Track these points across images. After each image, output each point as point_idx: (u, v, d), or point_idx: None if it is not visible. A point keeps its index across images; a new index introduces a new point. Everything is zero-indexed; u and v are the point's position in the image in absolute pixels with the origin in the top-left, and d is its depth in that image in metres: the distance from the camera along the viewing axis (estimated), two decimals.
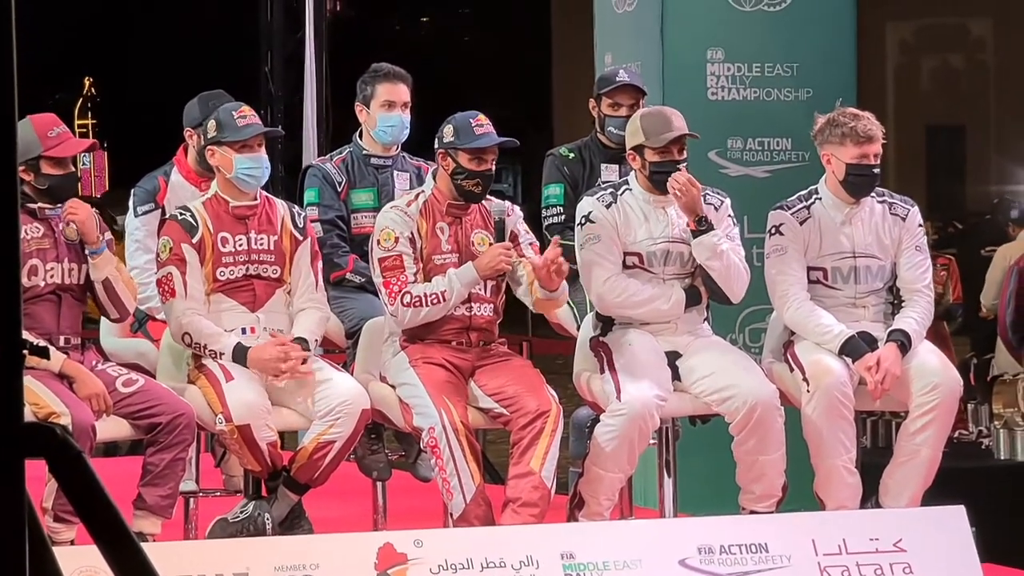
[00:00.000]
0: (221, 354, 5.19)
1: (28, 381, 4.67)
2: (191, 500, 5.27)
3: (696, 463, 5.97)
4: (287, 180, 9.42)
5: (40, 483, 4.65)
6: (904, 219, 5.55)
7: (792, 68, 6.68)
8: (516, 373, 5.31)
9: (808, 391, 5.32)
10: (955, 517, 5.14)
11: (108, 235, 5.32)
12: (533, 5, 24.43)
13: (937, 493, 5.39)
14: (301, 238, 5.39)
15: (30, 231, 5.07)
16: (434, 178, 5.44)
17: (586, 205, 5.46)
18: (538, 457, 5.11)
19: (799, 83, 6.68)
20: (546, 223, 6.08)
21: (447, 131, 5.34)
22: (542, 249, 5.76)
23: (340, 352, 5.98)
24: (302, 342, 5.24)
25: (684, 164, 5.39)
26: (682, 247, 5.41)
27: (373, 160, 6.03)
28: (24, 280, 4.98)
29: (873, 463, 5.58)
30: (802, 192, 5.58)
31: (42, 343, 4.32)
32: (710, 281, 5.41)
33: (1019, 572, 5.62)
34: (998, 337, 7.93)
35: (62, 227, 5.15)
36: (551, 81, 24.98)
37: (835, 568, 4.97)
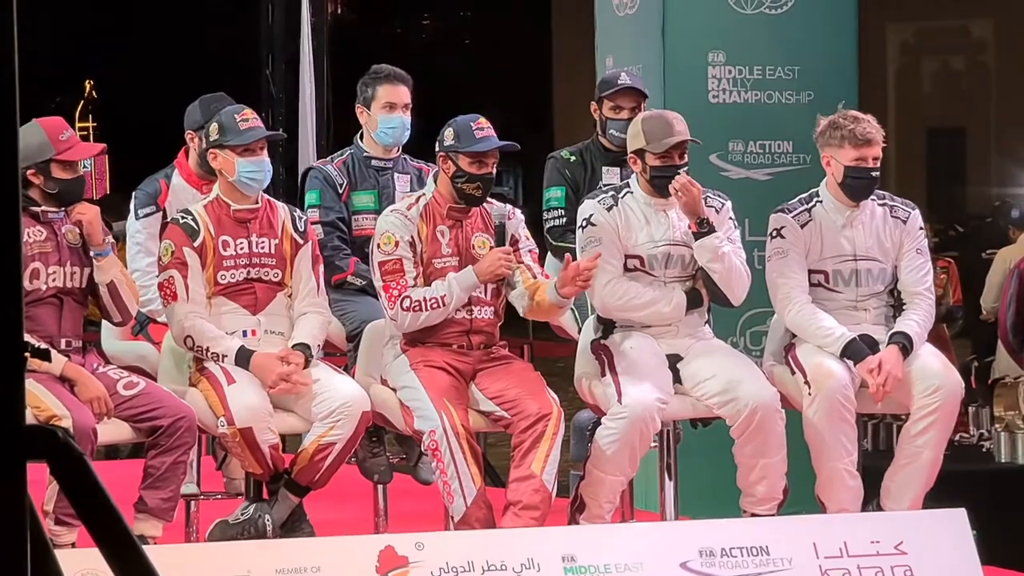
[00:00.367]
0: (224, 356, 5.19)
1: (29, 384, 4.67)
2: (192, 503, 5.27)
3: (697, 466, 5.97)
4: (288, 183, 9.41)
5: (41, 486, 4.65)
6: (905, 222, 5.56)
7: (793, 71, 6.68)
8: (517, 376, 5.31)
9: (809, 394, 5.33)
10: (956, 520, 5.14)
11: (110, 238, 5.33)
12: (534, 8, 24.44)
13: (938, 496, 5.38)
14: (302, 242, 5.39)
15: (32, 234, 5.07)
16: (435, 181, 5.44)
17: (587, 208, 5.46)
18: (539, 460, 5.11)
19: (800, 86, 6.68)
20: (547, 226, 6.09)
21: (448, 134, 5.34)
22: (542, 255, 5.77)
23: (341, 355, 5.98)
24: (304, 348, 5.24)
25: (685, 168, 5.39)
26: (683, 250, 5.42)
27: (374, 162, 6.04)
28: (26, 283, 4.98)
29: (874, 466, 5.58)
30: (803, 195, 5.59)
31: (43, 345, 4.33)
32: (711, 283, 5.41)
33: (1020, 575, 5.62)
34: (999, 340, 7.92)
35: (64, 230, 5.16)
36: (552, 84, 24.99)
37: (836, 571, 4.97)
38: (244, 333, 5.28)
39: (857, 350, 5.37)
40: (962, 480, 5.94)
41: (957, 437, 6.45)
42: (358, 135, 6.13)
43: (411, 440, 5.59)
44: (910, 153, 22.36)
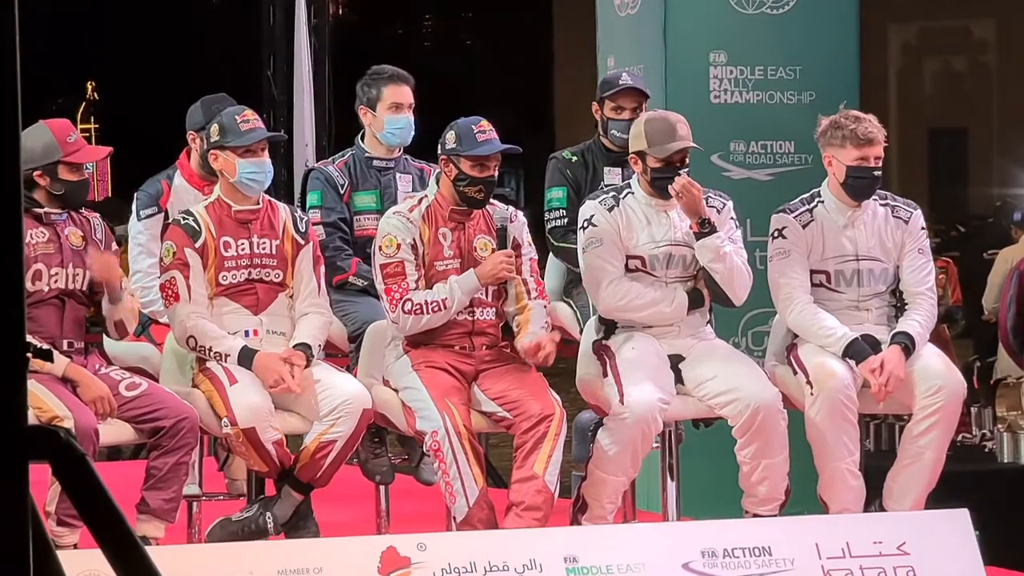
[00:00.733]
0: (226, 356, 5.20)
1: (31, 385, 4.67)
2: (194, 504, 5.27)
3: (699, 466, 5.97)
4: (288, 183, 9.43)
5: (43, 487, 4.65)
6: (907, 222, 5.55)
7: (795, 71, 6.68)
8: (519, 377, 5.31)
9: (811, 394, 5.32)
10: (959, 520, 5.14)
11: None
12: (535, 8, 24.44)
13: (941, 496, 5.38)
14: (303, 242, 5.40)
15: (35, 236, 5.08)
16: (437, 183, 5.44)
17: (588, 209, 5.45)
18: (541, 461, 5.11)
19: (802, 86, 6.67)
20: (549, 226, 6.08)
21: (449, 137, 5.34)
22: (544, 256, 5.77)
23: (343, 356, 5.98)
24: (305, 348, 5.24)
25: (685, 170, 5.38)
26: (684, 250, 5.41)
27: (376, 162, 6.04)
28: (28, 284, 4.98)
29: (877, 466, 5.58)
30: (805, 195, 5.58)
31: (45, 346, 4.33)
32: (713, 284, 5.41)
33: (1022, 575, 5.61)
34: (999, 341, 7.92)
35: (67, 232, 5.16)
36: (553, 84, 24.99)
37: (839, 571, 4.97)
38: (246, 333, 5.28)
39: (859, 350, 5.36)
40: (965, 480, 5.94)
41: (959, 437, 6.44)
42: (359, 136, 6.13)
43: (413, 441, 5.59)
44: (912, 154, 22.36)
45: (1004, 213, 10.91)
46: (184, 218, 5.34)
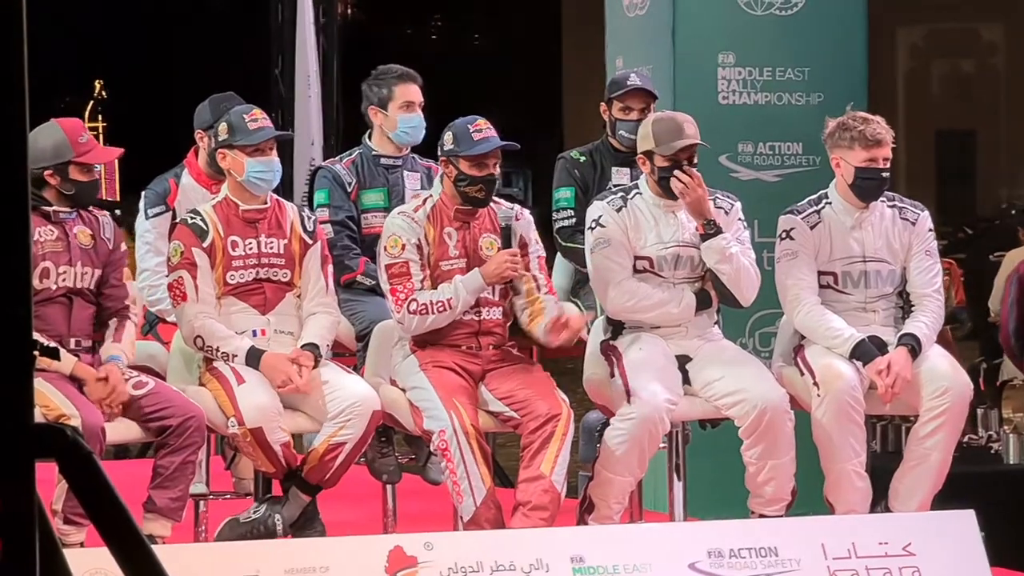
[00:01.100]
0: (234, 356, 5.20)
1: (38, 383, 4.68)
2: (201, 503, 5.27)
3: (706, 467, 5.96)
4: (289, 182, 9.42)
5: (50, 485, 4.66)
6: (914, 224, 5.55)
7: (803, 72, 6.67)
8: (526, 377, 5.31)
9: (818, 395, 5.32)
10: (965, 521, 5.13)
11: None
12: (543, 8, 24.44)
13: (947, 497, 5.38)
14: (311, 241, 5.40)
15: (43, 234, 5.08)
16: (441, 182, 5.44)
17: (596, 209, 5.45)
18: (548, 461, 5.11)
19: (810, 87, 6.67)
20: (556, 226, 6.08)
21: (447, 138, 5.34)
22: (552, 256, 5.76)
23: (351, 355, 5.98)
24: (313, 348, 5.25)
25: (696, 168, 5.38)
26: (692, 251, 5.41)
27: (383, 160, 6.04)
28: (36, 282, 4.99)
29: (883, 467, 5.57)
30: (812, 196, 5.58)
31: (52, 344, 4.34)
32: (720, 285, 5.40)
33: None
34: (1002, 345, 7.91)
35: (76, 231, 5.17)
36: (561, 84, 24.98)
37: (845, 572, 4.97)
38: (253, 333, 5.28)
39: (866, 351, 5.36)
40: (971, 482, 5.93)
41: (966, 439, 6.42)
42: (367, 135, 6.13)
43: (420, 440, 5.59)
44: (919, 156, 22.33)
45: (1017, 215, 10.88)
46: (192, 217, 5.34)
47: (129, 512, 2.36)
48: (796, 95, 6.68)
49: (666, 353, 5.37)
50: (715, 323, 5.55)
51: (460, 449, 5.07)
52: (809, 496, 5.45)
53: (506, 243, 5.39)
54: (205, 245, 5.27)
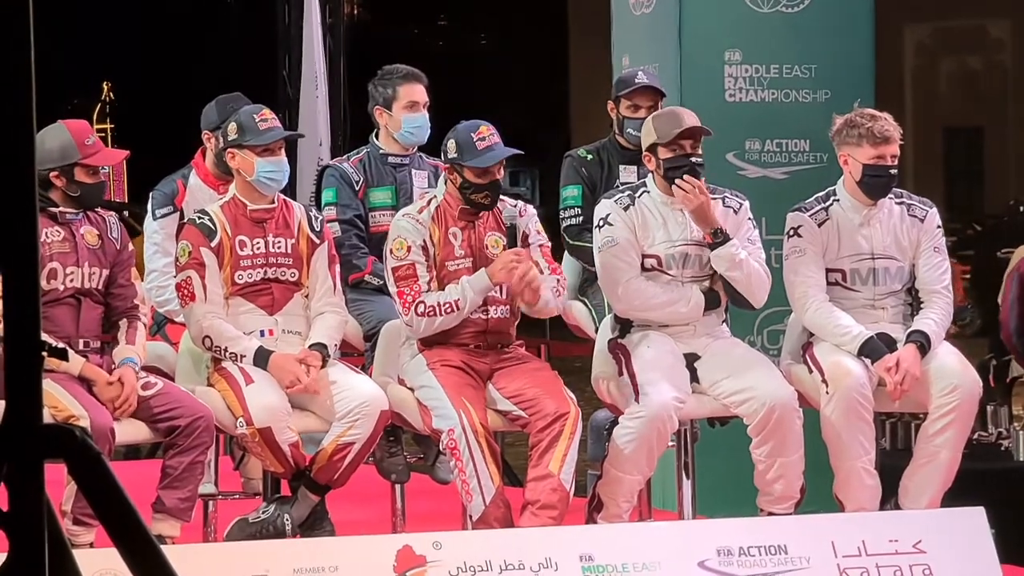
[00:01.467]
0: (242, 357, 5.20)
1: (47, 384, 4.66)
2: (210, 503, 5.28)
3: (715, 465, 5.96)
4: (293, 182, 9.41)
5: (60, 486, 4.66)
6: (922, 220, 5.54)
7: (810, 69, 6.67)
8: (534, 376, 5.30)
9: (827, 392, 5.31)
10: (975, 519, 5.12)
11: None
12: (549, 7, 24.44)
13: (957, 495, 5.37)
14: (318, 241, 5.40)
15: (50, 235, 5.09)
16: (446, 183, 5.44)
17: (604, 208, 5.45)
18: (557, 460, 5.11)
19: (817, 84, 6.66)
20: (564, 225, 6.08)
21: (450, 146, 5.33)
22: (559, 254, 5.75)
23: (359, 355, 5.98)
24: (321, 348, 5.25)
25: (700, 161, 5.37)
26: (700, 250, 5.41)
27: (391, 159, 6.04)
28: (43, 283, 4.99)
29: (892, 465, 5.56)
30: (820, 194, 5.58)
31: (61, 345, 4.34)
32: (732, 290, 5.40)
33: None
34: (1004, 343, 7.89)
35: (83, 231, 5.17)
36: (568, 83, 24.99)
37: (854, 570, 4.96)
38: (261, 333, 5.28)
39: (875, 348, 5.36)
40: (980, 479, 5.92)
41: (975, 436, 6.41)
42: (373, 134, 6.13)
43: (428, 440, 5.59)
44: (927, 153, 22.33)
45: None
46: (199, 217, 5.34)
47: (138, 512, 2.36)
48: (803, 92, 6.67)
49: (674, 351, 5.36)
50: (723, 321, 5.54)
51: (469, 448, 5.07)
52: (818, 494, 5.44)
53: (512, 241, 5.38)
54: (213, 245, 5.27)
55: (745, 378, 5.29)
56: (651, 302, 5.37)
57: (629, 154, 6.05)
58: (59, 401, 4.86)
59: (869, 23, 6.78)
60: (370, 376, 5.42)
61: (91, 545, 4.87)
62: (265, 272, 5.32)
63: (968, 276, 15.83)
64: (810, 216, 5.50)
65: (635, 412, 5.19)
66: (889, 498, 5.42)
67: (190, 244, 5.28)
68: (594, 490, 5.36)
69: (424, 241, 5.31)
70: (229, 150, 5.37)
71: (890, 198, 5.54)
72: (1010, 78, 23.41)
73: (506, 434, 5.59)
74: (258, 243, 5.32)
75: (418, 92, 6.00)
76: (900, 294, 5.54)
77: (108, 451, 4.85)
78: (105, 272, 5.19)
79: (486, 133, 5.30)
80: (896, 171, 5.49)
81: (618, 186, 5.82)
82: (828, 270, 5.49)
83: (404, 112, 5.98)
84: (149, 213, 6.14)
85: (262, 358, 5.19)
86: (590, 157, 6.13)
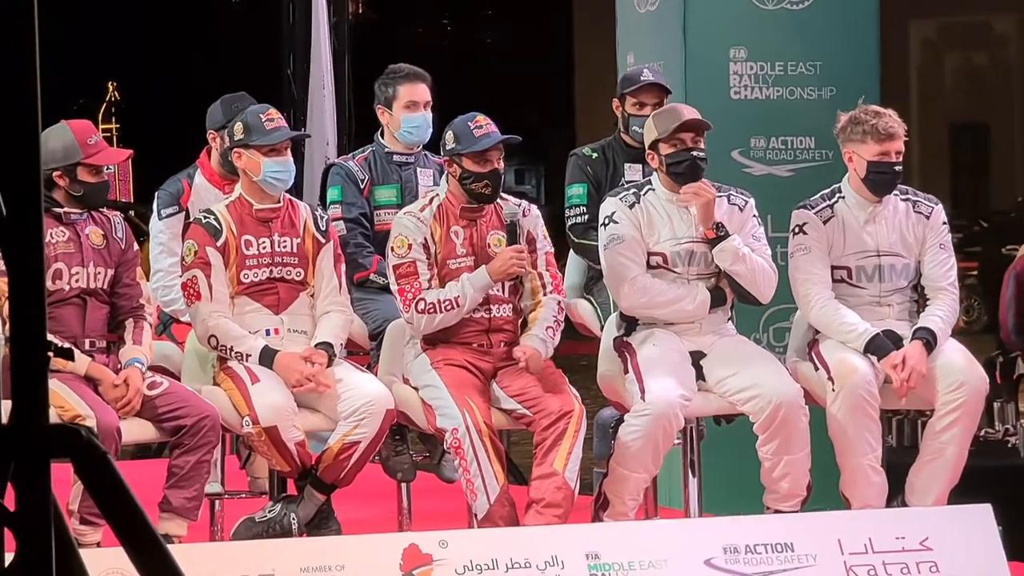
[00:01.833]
0: (248, 356, 5.20)
1: (53, 384, 4.69)
2: (216, 502, 5.28)
3: (721, 463, 5.96)
4: (300, 182, 9.42)
5: (66, 486, 4.67)
6: (928, 217, 5.54)
7: (815, 67, 6.66)
8: (538, 374, 5.30)
9: (833, 390, 5.31)
10: (981, 516, 5.12)
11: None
12: (555, 5, 24.43)
13: (963, 492, 5.36)
14: (324, 240, 5.40)
15: (55, 235, 5.09)
16: (447, 181, 5.44)
17: (609, 206, 5.45)
18: (561, 458, 5.11)
19: (822, 82, 6.65)
20: (569, 223, 6.08)
21: (448, 137, 5.35)
22: (565, 253, 5.75)
23: (364, 354, 5.98)
24: (326, 347, 5.25)
25: (703, 155, 5.36)
26: (706, 247, 5.41)
27: (396, 157, 6.05)
28: (49, 284, 5.00)
29: (899, 462, 5.56)
30: (825, 191, 5.57)
31: (66, 345, 4.35)
32: (737, 286, 5.40)
33: None
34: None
35: (88, 232, 5.17)
36: (573, 81, 24.98)
37: (861, 567, 4.96)
38: (267, 332, 5.29)
39: (880, 346, 5.35)
40: (987, 476, 5.91)
41: (982, 433, 6.40)
42: (379, 132, 6.14)
43: (434, 438, 5.59)
44: (933, 149, 22.30)
45: None
46: (205, 217, 5.35)
47: (144, 512, 2.36)
48: (808, 89, 6.66)
49: (680, 349, 5.36)
50: (729, 319, 5.54)
51: (473, 447, 5.07)
52: (825, 491, 5.44)
53: (512, 239, 5.38)
54: (219, 244, 5.27)
55: (751, 375, 5.28)
56: (656, 300, 5.37)
57: (634, 152, 6.05)
58: (65, 401, 4.86)
59: (874, 19, 6.77)
60: (375, 375, 5.42)
61: (98, 544, 4.88)
62: (271, 271, 5.32)
63: (975, 272, 15.82)
64: (815, 213, 5.49)
65: (641, 410, 5.19)
66: (896, 495, 5.41)
67: (196, 244, 5.29)
68: (600, 488, 5.36)
69: (425, 239, 5.32)
70: (235, 150, 5.37)
71: (896, 195, 5.53)
72: (1016, 74, 23.38)
73: (511, 432, 5.59)
74: (264, 242, 5.32)
75: (418, 92, 6.01)
76: (906, 291, 5.54)
77: (114, 450, 4.86)
78: (110, 272, 5.20)
79: (483, 122, 5.32)
80: (901, 168, 5.48)
81: (623, 184, 5.82)
82: (834, 267, 5.49)
83: (403, 112, 5.99)
84: (154, 213, 6.14)
85: (268, 357, 5.19)
86: (595, 155, 6.13)
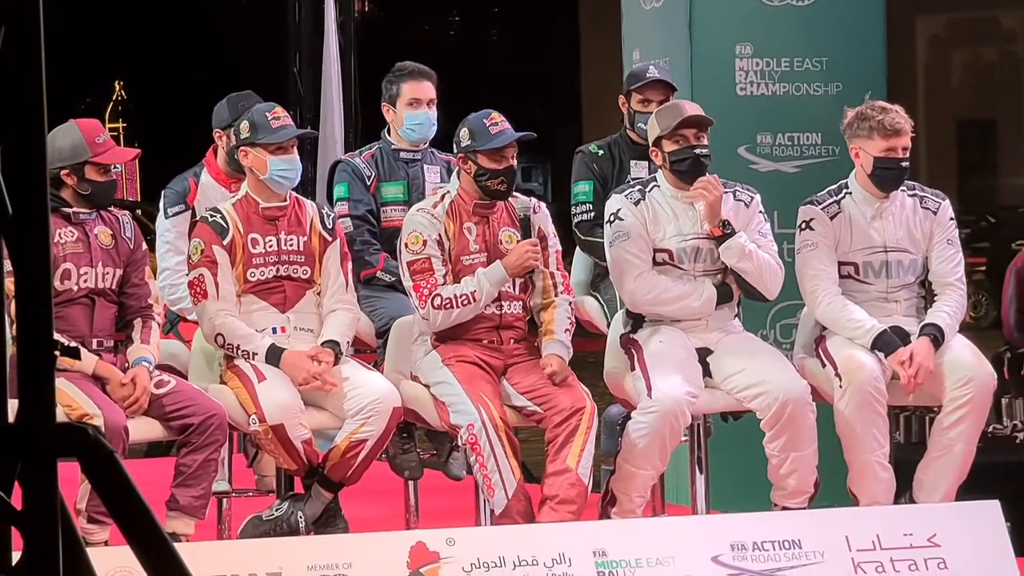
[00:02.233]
0: (254, 355, 5.21)
1: (61, 383, 4.70)
2: (224, 500, 5.29)
3: (728, 460, 5.95)
4: (315, 181, 9.43)
5: (74, 485, 4.67)
6: (935, 213, 5.53)
7: (821, 62, 6.65)
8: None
9: (840, 386, 5.31)
10: (989, 512, 5.11)
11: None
12: (561, 2, 24.42)
13: (971, 488, 5.36)
14: (330, 239, 5.40)
15: (64, 235, 5.09)
16: (458, 178, 5.44)
17: (615, 203, 5.45)
18: (574, 454, 5.11)
19: (828, 77, 6.65)
20: (575, 220, 6.08)
21: (463, 134, 5.35)
22: (569, 253, 5.75)
23: (371, 352, 5.98)
24: (333, 345, 5.25)
25: (707, 152, 5.36)
26: (712, 243, 5.40)
27: (403, 154, 6.05)
28: (57, 284, 5.00)
29: (906, 458, 5.55)
30: (832, 187, 5.57)
31: (73, 344, 4.34)
32: (744, 282, 5.40)
33: None
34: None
35: (96, 231, 5.18)
36: (579, 78, 24.96)
37: (869, 564, 4.95)
38: (274, 330, 5.29)
39: (888, 342, 5.35)
40: (995, 472, 5.90)
41: (990, 429, 6.40)
42: (385, 129, 6.15)
43: (442, 436, 5.59)
44: (940, 145, 22.27)
45: None
46: (212, 215, 5.35)
47: (151, 510, 2.36)
48: (814, 85, 6.65)
49: (686, 346, 5.36)
50: (736, 315, 5.54)
51: (490, 442, 5.08)
52: (832, 488, 5.43)
53: (526, 234, 5.39)
54: (225, 243, 5.28)
55: (758, 372, 5.28)
56: (662, 296, 5.37)
57: (640, 149, 6.04)
58: (73, 400, 4.87)
59: (880, 15, 6.77)
60: (382, 373, 5.42)
61: (105, 543, 4.89)
62: (277, 270, 5.33)
63: (982, 268, 15.80)
64: (822, 209, 5.49)
65: (648, 407, 5.19)
66: (903, 492, 5.41)
67: (202, 242, 5.29)
68: (607, 485, 5.36)
69: (439, 235, 5.32)
70: (242, 148, 5.37)
71: (903, 190, 5.53)
72: (1023, 69, 23.33)
73: (518, 430, 5.59)
74: (270, 241, 5.33)
75: (421, 89, 6.01)
76: (913, 287, 5.53)
77: (122, 449, 4.86)
78: (119, 272, 5.20)
79: (497, 119, 5.33)
80: (907, 163, 5.48)
81: (629, 181, 5.82)
82: (841, 263, 5.48)
83: (406, 109, 6.00)
84: (161, 211, 6.14)
85: (274, 355, 5.20)
86: (601, 152, 6.12)
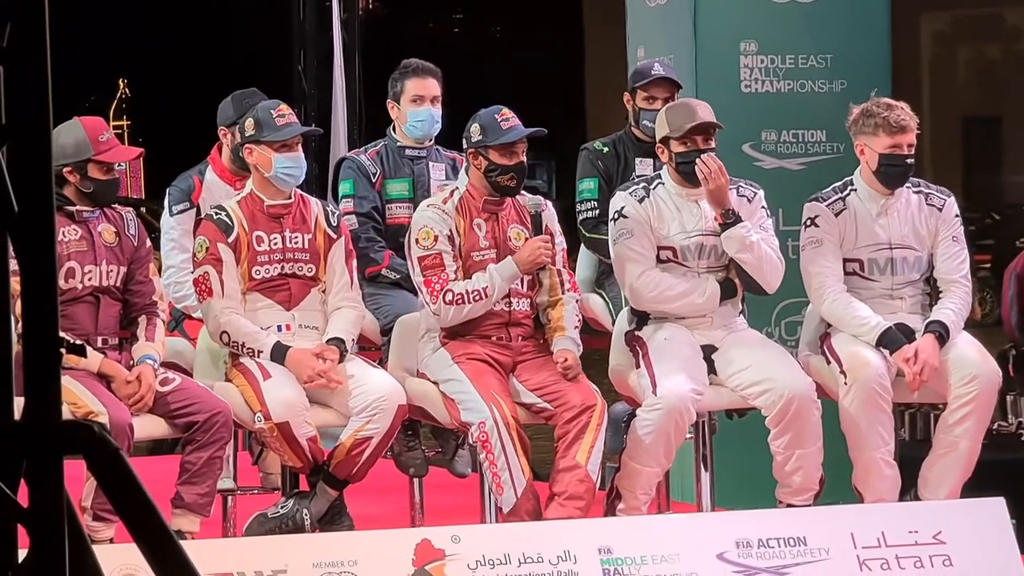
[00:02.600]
0: (260, 352, 5.21)
1: (66, 381, 4.70)
2: (229, 498, 5.29)
3: (733, 457, 5.95)
4: (321, 178, 9.43)
5: (80, 482, 4.68)
6: (940, 210, 5.53)
7: (826, 60, 6.65)
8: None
9: (845, 383, 5.31)
10: (995, 509, 5.11)
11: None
12: (565, 0, 24.41)
13: (976, 485, 5.36)
14: (335, 236, 5.40)
15: (68, 233, 5.09)
16: (467, 174, 5.44)
17: (619, 200, 5.45)
18: (584, 451, 5.11)
19: (833, 75, 6.64)
20: (580, 218, 6.08)
21: (474, 130, 5.34)
22: (574, 251, 5.75)
23: (375, 349, 5.99)
24: (338, 342, 5.25)
25: (712, 151, 5.36)
26: (716, 240, 5.40)
27: (408, 151, 6.06)
28: (62, 282, 5.00)
29: (912, 455, 5.55)
30: (837, 184, 5.56)
31: (78, 342, 4.35)
32: (744, 273, 5.39)
33: None
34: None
35: (100, 229, 5.18)
36: (584, 75, 24.96)
37: (874, 561, 4.95)
38: (279, 328, 5.29)
39: (893, 339, 5.34)
40: (1000, 469, 5.90)
41: (995, 426, 6.39)
42: (390, 127, 6.15)
43: (447, 433, 5.59)
44: (945, 142, 22.24)
45: None
46: (216, 213, 5.35)
47: (157, 508, 2.36)
48: (819, 82, 6.65)
49: (691, 343, 5.36)
50: (740, 312, 5.54)
51: (501, 440, 5.08)
52: (837, 485, 5.43)
53: (536, 231, 5.40)
54: (230, 240, 5.28)
55: (763, 369, 5.28)
56: (667, 294, 5.37)
57: (645, 146, 6.05)
58: (78, 397, 4.87)
59: (885, 12, 6.76)
60: (387, 370, 5.42)
61: (111, 541, 4.89)
62: (282, 267, 5.33)
63: (987, 266, 15.79)
64: (827, 206, 5.49)
65: (653, 404, 5.19)
66: (908, 489, 5.41)
67: (207, 240, 5.29)
68: (612, 482, 5.36)
69: (450, 231, 5.32)
70: (247, 146, 5.38)
71: (908, 187, 5.52)
72: None
73: (525, 427, 5.59)
74: (275, 238, 5.33)
75: (424, 86, 6.01)
76: (918, 284, 5.53)
77: (127, 447, 4.87)
78: (123, 269, 5.20)
79: (508, 115, 5.34)
80: (912, 160, 5.47)
81: (633, 178, 5.82)
82: (846, 260, 5.48)
83: (409, 106, 6.01)
84: (166, 209, 6.15)
85: (279, 353, 5.20)
86: (606, 150, 6.12)
